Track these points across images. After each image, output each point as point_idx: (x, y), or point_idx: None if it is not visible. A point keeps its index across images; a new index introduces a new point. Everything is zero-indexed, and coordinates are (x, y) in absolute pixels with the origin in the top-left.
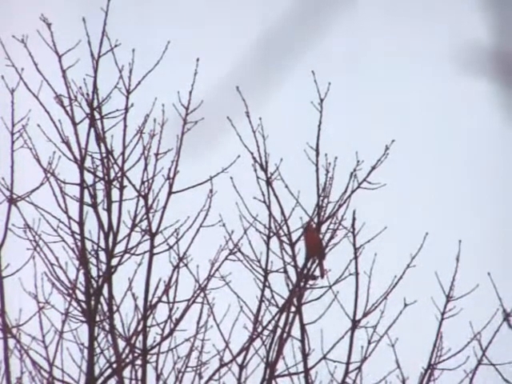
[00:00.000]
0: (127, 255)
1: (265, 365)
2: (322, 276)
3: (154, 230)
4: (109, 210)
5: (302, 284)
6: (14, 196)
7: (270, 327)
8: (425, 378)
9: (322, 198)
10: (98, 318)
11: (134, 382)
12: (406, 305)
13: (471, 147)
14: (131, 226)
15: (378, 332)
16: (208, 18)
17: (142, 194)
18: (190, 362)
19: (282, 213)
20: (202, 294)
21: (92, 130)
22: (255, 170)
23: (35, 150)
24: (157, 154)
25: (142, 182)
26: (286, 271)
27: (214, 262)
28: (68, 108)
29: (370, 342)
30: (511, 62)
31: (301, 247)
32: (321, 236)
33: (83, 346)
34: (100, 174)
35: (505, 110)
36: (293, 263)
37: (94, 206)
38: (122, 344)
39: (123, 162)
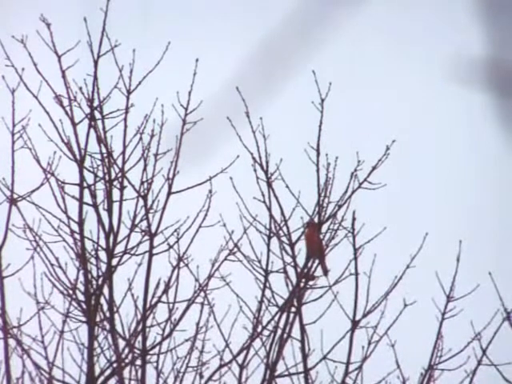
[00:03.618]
0: (127, 255)
1: (265, 365)
2: (326, 274)
3: (153, 230)
4: (109, 210)
5: (302, 284)
6: (15, 196)
7: (270, 327)
8: (425, 379)
9: (322, 198)
10: (98, 318)
11: (133, 382)
12: (405, 305)
13: (471, 147)
14: (131, 226)
15: (378, 332)
16: (208, 18)
17: (142, 194)
18: (190, 361)
19: (282, 213)
20: (202, 294)
21: (92, 129)
22: (255, 171)
23: (35, 150)
24: (156, 155)
25: (142, 183)
26: (285, 271)
27: (214, 262)
28: (68, 108)
29: (370, 343)
30: (508, 72)
31: (301, 247)
32: (321, 236)
33: (83, 345)
34: (100, 174)
35: (501, 117)
36: (293, 263)
37: (95, 206)
38: (122, 344)
39: (123, 162)
